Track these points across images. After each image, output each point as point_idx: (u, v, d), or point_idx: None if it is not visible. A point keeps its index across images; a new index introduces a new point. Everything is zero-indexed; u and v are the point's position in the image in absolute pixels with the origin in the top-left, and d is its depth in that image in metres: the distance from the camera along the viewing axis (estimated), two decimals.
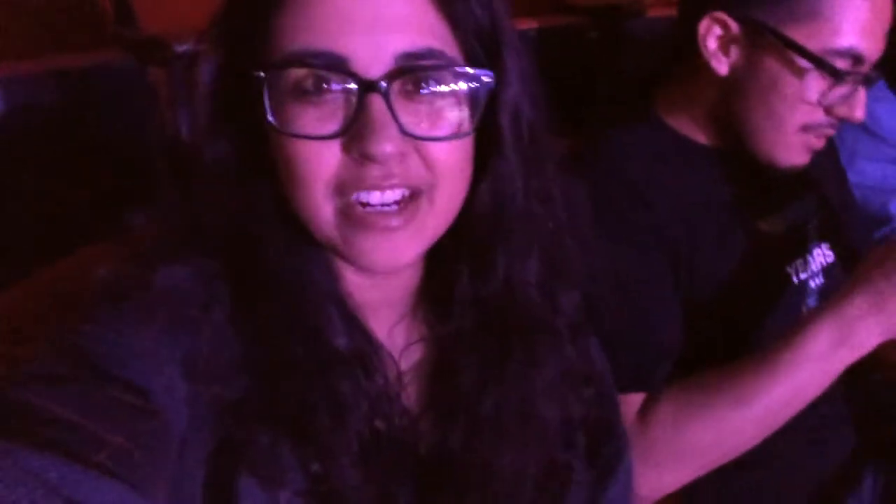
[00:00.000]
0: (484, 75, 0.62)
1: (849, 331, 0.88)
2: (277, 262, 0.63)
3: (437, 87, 0.60)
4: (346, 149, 0.59)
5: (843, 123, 1.00)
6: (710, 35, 0.99)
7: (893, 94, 1.48)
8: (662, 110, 1.08)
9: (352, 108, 0.58)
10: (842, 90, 0.96)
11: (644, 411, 0.95)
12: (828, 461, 1.15)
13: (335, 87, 0.58)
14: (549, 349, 0.72)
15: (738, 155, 1.05)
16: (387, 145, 0.57)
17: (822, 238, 1.15)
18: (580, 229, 0.73)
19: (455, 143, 0.62)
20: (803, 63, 0.94)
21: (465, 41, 0.63)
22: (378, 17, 0.58)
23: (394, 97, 0.58)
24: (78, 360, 0.54)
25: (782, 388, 0.90)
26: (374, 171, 0.59)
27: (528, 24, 2.09)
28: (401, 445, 0.68)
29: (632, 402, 0.94)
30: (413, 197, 0.61)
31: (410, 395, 0.71)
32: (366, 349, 0.67)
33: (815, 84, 0.95)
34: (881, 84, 1.40)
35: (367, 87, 0.58)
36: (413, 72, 0.59)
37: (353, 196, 0.60)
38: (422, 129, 0.60)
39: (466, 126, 0.62)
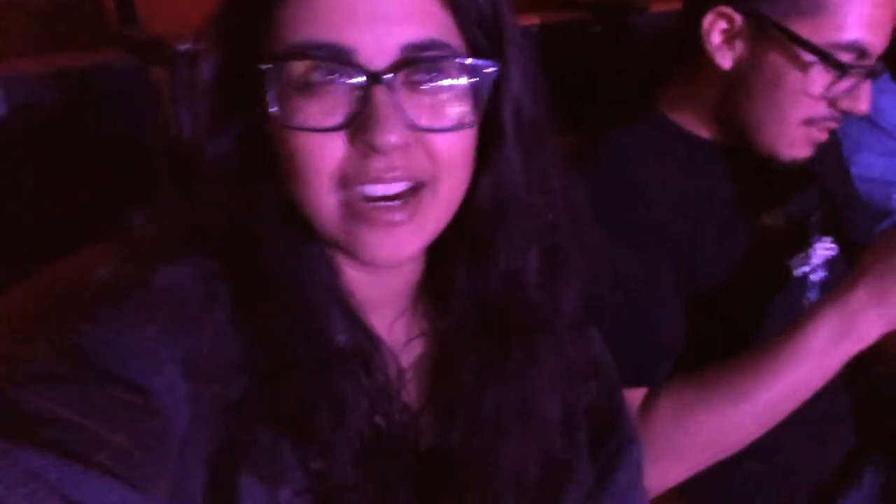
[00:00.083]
0: (488, 66, 0.62)
1: (851, 323, 0.88)
2: (278, 260, 0.63)
3: (442, 78, 0.60)
4: (350, 141, 0.59)
5: (847, 116, 1.00)
6: (715, 29, 0.99)
7: None
8: (666, 106, 1.08)
9: (357, 99, 0.58)
10: (846, 84, 0.96)
11: (645, 406, 0.95)
12: (829, 455, 1.15)
13: (340, 79, 0.58)
14: (550, 343, 0.71)
15: (741, 149, 1.04)
16: (392, 136, 0.57)
17: (824, 232, 1.15)
18: (579, 222, 0.73)
19: (458, 135, 0.62)
20: (808, 57, 0.94)
21: (468, 32, 0.63)
22: (382, 8, 0.58)
23: (398, 89, 0.58)
24: (78, 360, 0.54)
25: (783, 382, 0.90)
26: (378, 164, 0.59)
27: (531, 20, 2.09)
28: (401, 442, 0.68)
29: (633, 398, 0.94)
30: (416, 190, 0.61)
31: (411, 392, 0.71)
32: (367, 346, 0.66)
33: (819, 77, 0.95)
34: (885, 76, 1.40)
35: (373, 78, 0.57)
36: (418, 63, 0.59)
37: (357, 189, 0.60)
38: (426, 120, 0.60)
39: (470, 117, 0.62)
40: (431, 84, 0.60)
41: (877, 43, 0.95)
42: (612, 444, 0.80)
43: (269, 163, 0.63)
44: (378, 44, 0.58)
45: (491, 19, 0.64)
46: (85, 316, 0.57)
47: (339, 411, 0.62)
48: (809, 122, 0.99)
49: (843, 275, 0.97)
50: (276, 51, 0.59)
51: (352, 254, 0.63)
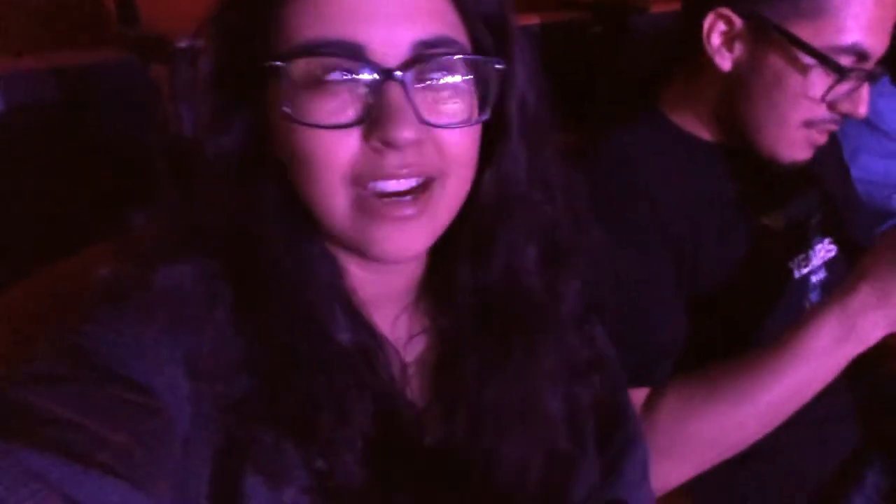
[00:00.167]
0: (495, 62, 0.63)
1: (853, 324, 0.88)
2: (279, 259, 0.63)
3: (451, 75, 0.61)
4: (365, 137, 0.59)
5: (847, 119, 1.00)
6: (715, 31, 0.99)
7: None
8: (665, 106, 1.08)
9: (369, 96, 0.58)
10: (846, 86, 0.96)
11: (647, 406, 0.95)
12: (831, 455, 1.15)
13: (353, 76, 0.58)
14: (551, 338, 0.72)
15: (740, 151, 1.04)
16: (407, 132, 0.57)
17: (824, 233, 1.15)
18: (580, 220, 0.73)
19: (467, 131, 0.62)
20: (807, 59, 0.94)
21: (473, 29, 0.64)
22: (394, 5, 0.58)
23: (410, 85, 0.58)
24: (78, 360, 0.54)
25: (785, 383, 0.90)
26: (392, 160, 0.59)
27: (531, 20, 2.09)
28: (405, 439, 0.68)
29: (635, 397, 0.94)
30: (426, 185, 0.62)
31: (414, 389, 0.71)
32: (370, 344, 0.67)
33: (818, 80, 0.95)
34: (885, 79, 1.40)
35: (386, 75, 0.58)
36: (428, 60, 0.59)
37: (370, 185, 0.60)
38: (437, 116, 0.60)
39: (479, 114, 0.63)
40: (441, 81, 0.61)
41: (876, 46, 0.95)
42: (618, 439, 0.81)
43: (270, 161, 0.63)
44: (389, 41, 0.58)
45: (496, 15, 0.65)
46: (85, 316, 0.56)
47: (342, 410, 0.62)
48: (809, 124, 0.99)
49: (843, 275, 0.98)
50: (283, 49, 0.59)
51: (361, 250, 0.63)
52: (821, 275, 1.13)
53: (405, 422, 0.68)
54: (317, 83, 0.58)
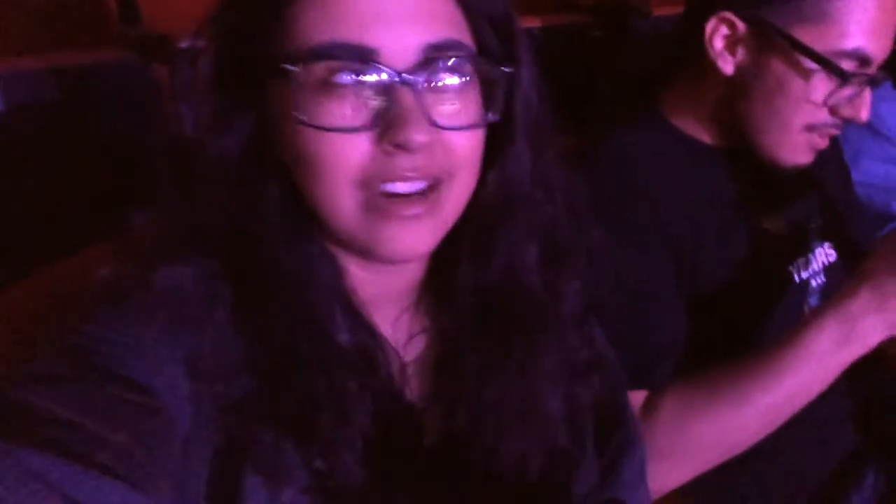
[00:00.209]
0: (503, 66, 0.63)
1: (852, 328, 0.88)
2: (279, 259, 0.63)
3: (459, 77, 0.61)
4: (377, 140, 0.59)
5: (848, 123, 1.00)
6: (717, 35, 0.99)
7: None
8: (666, 110, 1.08)
9: (381, 100, 0.59)
10: (848, 91, 0.96)
11: (647, 408, 0.95)
12: (831, 457, 1.15)
13: (364, 79, 0.59)
14: (552, 338, 0.72)
15: (742, 154, 1.05)
16: (419, 135, 0.58)
17: (824, 237, 1.15)
18: (580, 221, 0.74)
19: (474, 132, 0.63)
20: (810, 64, 0.94)
21: (480, 31, 0.64)
22: (403, 8, 0.59)
23: (421, 88, 0.59)
24: (78, 360, 0.54)
25: (785, 385, 0.90)
26: (403, 163, 0.59)
27: (532, 23, 2.09)
28: (405, 439, 0.68)
29: (634, 399, 0.94)
30: (434, 187, 0.62)
31: (413, 389, 0.71)
32: (369, 344, 0.67)
33: (821, 85, 0.95)
34: (887, 84, 1.40)
35: (398, 78, 0.58)
36: (438, 63, 0.60)
37: (379, 187, 0.60)
38: (446, 119, 0.61)
39: (486, 116, 0.64)
40: (449, 83, 0.61)
41: (879, 51, 0.95)
42: (617, 440, 0.81)
43: (271, 161, 0.63)
44: (400, 44, 0.58)
45: (502, 18, 0.65)
46: (85, 316, 0.56)
47: (342, 410, 0.62)
48: (811, 128, 0.99)
49: (841, 280, 0.98)
50: (289, 50, 0.59)
51: (368, 250, 0.63)
52: (820, 279, 1.13)
53: (405, 422, 0.68)
54: (325, 86, 0.59)
